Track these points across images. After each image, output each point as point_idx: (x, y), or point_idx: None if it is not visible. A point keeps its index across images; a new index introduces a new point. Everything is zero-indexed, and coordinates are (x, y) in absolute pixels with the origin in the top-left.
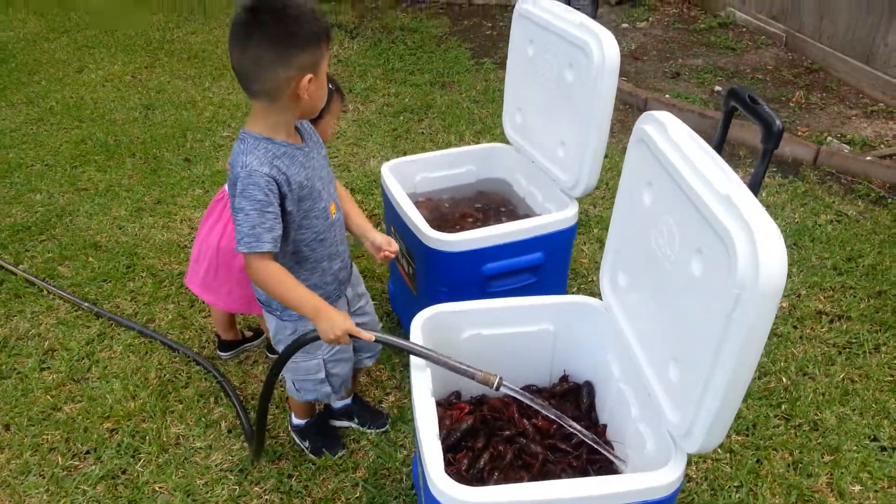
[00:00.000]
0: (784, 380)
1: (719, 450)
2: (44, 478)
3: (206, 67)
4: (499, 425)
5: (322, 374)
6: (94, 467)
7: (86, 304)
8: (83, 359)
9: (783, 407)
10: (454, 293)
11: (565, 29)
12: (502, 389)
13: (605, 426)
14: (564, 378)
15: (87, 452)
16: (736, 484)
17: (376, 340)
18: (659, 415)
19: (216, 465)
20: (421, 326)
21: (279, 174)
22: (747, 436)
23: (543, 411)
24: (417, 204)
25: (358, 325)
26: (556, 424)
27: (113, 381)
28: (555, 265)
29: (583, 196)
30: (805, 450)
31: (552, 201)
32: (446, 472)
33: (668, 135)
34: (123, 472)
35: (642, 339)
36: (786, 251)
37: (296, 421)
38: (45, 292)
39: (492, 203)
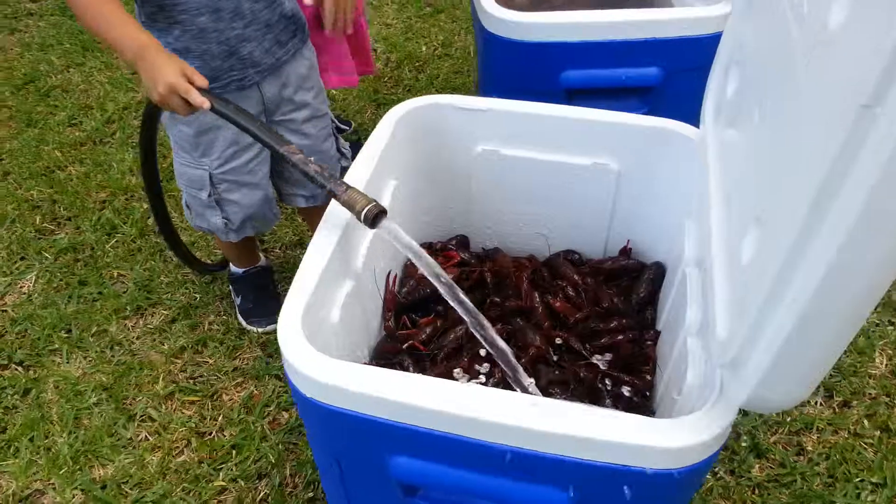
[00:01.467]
0: None
1: (866, 422)
2: (14, 234)
3: None
4: (500, 293)
5: (207, 194)
6: (65, 237)
7: None
8: (113, 122)
9: None
10: None
11: None
12: (381, 228)
13: (657, 334)
14: (625, 251)
15: (69, 219)
16: (875, 480)
17: (213, 109)
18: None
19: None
20: (400, 122)
21: None
22: None
23: (439, 285)
24: None
25: (293, 145)
26: (586, 312)
27: (128, 152)
28: (679, 90)
29: None
30: None
31: None
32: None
33: None
34: (91, 249)
35: (730, 192)
36: None
37: (232, 268)
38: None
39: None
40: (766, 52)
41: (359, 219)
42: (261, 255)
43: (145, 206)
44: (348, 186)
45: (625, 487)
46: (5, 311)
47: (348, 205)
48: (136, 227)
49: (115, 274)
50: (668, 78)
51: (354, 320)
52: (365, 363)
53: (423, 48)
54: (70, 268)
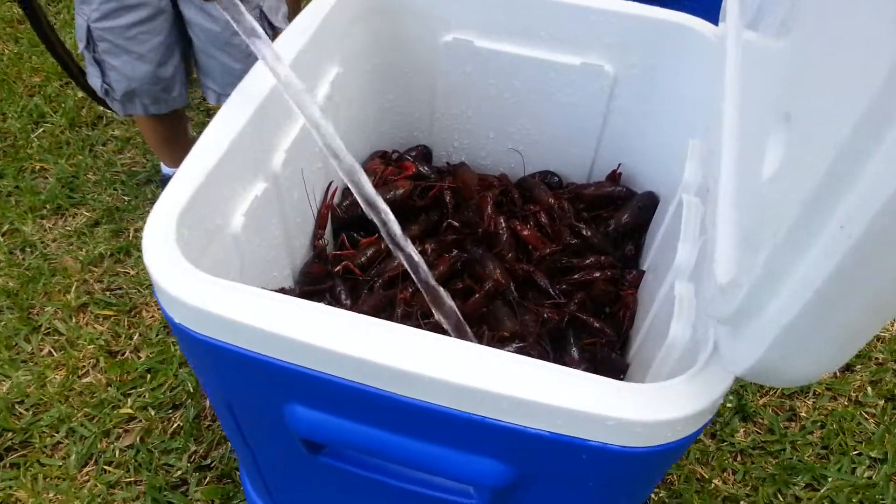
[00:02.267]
0: None
1: (869, 390)
2: None
3: None
4: (460, 214)
5: (85, 47)
6: None
7: None
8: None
9: None
10: None
11: None
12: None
13: (641, 273)
14: (614, 176)
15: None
16: (875, 454)
17: None
18: (710, 268)
19: (122, 164)
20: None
21: None
22: None
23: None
24: None
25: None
26: (559, 245)
27: (72, 33)
28: None
29: None
30: None
31: None
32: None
33: None
34: (14, 138)
35: (749, 99)
36: None
37: (163, 168)
38: None
39: None
40: None
41: None
42: None
43: (80, 94)
44: None
45: (579, 464)
46: None
47: None
48: (66, 118)
49: (38, 167)
50: None
51: (267, 232)
52: (284, 289)
53: None
54: None
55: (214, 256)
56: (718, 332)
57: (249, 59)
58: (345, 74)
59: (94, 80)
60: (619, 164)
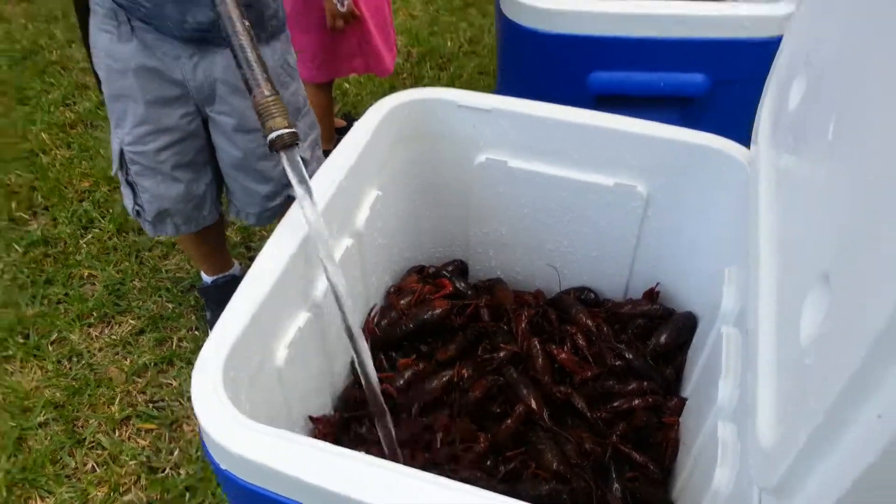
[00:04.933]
0: None
1: None
2: None
3: None
4: (494, 334)
5: (118, 167)
6: (38, 228)
7: None
8: None
9: None
10: None
11: None
12: (282, 155)
13: (683, 401)
14: (651, 294)
15: (45, 209)
16: None
17: None
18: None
19: (166, 270)
20: (384, 120)
21: None
22: None
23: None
24: None
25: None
26: (597, 371)
27: None
28: (727, 104)
29: None
30: None
31: None
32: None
33: None
34: (64, 244)
35: (787, 234)
36: None
37: (203, 276)
38: None
39: None
40: (849, 51)
41: (264, 134)
42: (234, 261)
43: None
44: (276, 92)
45: None
46: None
47: (262, 111)
48: (114, 223)
49: (86, 274)
50: (716, 88)
51: (309, 361)
52: (325, 416)
53: (449, 44)
54: (39, 263)
55: (259, 391)
56: (764, 499)
57: (269, 183)
58: (384, 197)
59: (127, 202)
60: (657, 284)
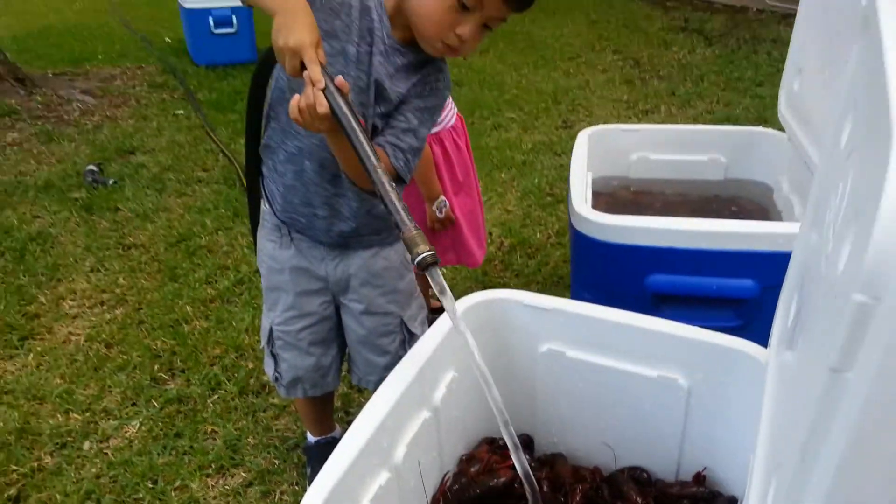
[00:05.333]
0: None
1: None
2: (132, 380)
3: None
4: None
5: (266, 342)
6: (174, 388)
7: None
8: (243, 283)
9: None
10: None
11: None
12: (428, 272)
13: None
14: (699, 478)
15: (182, 371)
16: None
17: (325, 91)
18: None
19: (276, 430)
20: (463, 315)
21: None
22: None
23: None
24: (627, 193)
25: (382, 166)
26: None
27: (249, 312)
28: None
29: None
30: None
31: None
32: None
33: None
34: (194, 402)
35: (775, 428)
36: None
37: (308, 436)
38: None
39: (738, 216)
40: (815, 276)
41: (412, 260)
42: (336, 425)
43: (251, 365)
44: (417, 227)
45: None
46: (106, 453)
47: (409, 243)
48: (237, 386)
49: (210, 429)
50: (765, 292)
51: None
52: None
53: (538, 235)
54: (172, 418)
55: None
56: None
57: (387, 356)
58: (459, 379)
59: (268, 369)
60: (705, 468)
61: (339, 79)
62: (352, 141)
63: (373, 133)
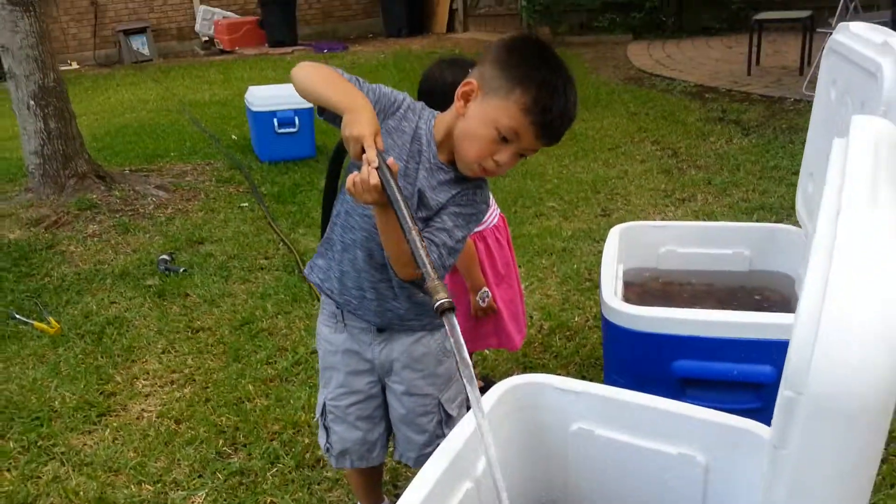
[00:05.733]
0: None
1: None
2: (199, 453)
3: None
4: None
5: (319, 415)
6: (237, 461)
7: None
8: (300, 364)
9: None
10: (636, 389)
11: (861, 53)
12: (445, 319)
13: None
14: None
15: (244, 446)
16: None
17: (378, 169)
18: None
19: (329, 501)
20: (501, 398)
21: (390, 104)
22: None
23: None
24: (657, 284)
25: (418, 228)
26: None
27: (306, 391)
28: None
29: None
30: None
31: None
32: None
33: None
34: (255, 475)
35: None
36: None
37: None
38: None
39: (762, 304)
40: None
41: (432, 305)
42: (385, 496)
43: (307, 440)
44: (441, 277)
45: None
46: None
47: (431, 290)
48: (294, 460)
49: (269, 500)
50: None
51: None
52: None
53: (576, 318)
54: (234, 490)
55: None
56: None
57: (425, 434)
58: (499, 451)
59: (321, 440)
60: None
61: (391, 160)
62: (394, 207)
63: None
